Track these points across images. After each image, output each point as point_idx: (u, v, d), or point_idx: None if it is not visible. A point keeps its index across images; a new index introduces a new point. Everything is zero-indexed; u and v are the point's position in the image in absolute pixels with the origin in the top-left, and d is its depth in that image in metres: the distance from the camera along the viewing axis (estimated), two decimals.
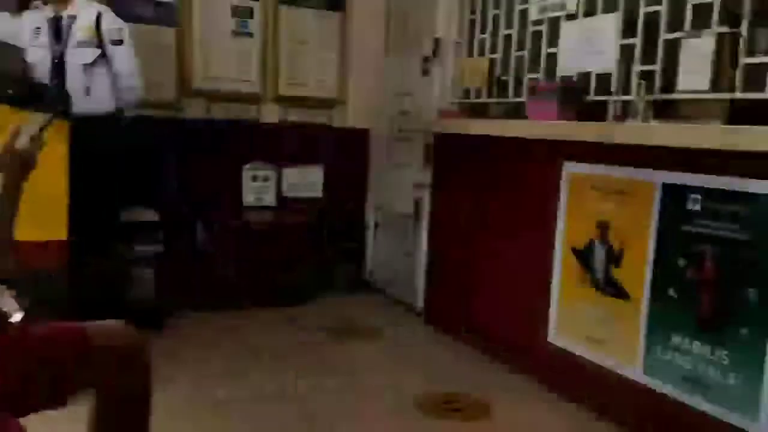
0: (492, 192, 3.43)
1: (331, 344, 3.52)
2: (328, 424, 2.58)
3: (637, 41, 2.74)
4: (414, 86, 4.21)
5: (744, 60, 2.33)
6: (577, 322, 2.88)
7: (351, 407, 2.73)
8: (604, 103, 2.89)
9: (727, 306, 2.24)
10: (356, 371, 3.13)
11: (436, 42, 3.94)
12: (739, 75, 2.34)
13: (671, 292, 2.45)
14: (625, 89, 2.81)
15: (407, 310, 4.15)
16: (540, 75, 3.23)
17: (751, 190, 2.17)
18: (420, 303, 4.08)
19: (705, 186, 2.32)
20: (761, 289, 2.13)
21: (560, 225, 2.96)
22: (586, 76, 2.97)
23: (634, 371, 2.59)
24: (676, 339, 2.42)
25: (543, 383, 3.04)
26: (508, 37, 3.47)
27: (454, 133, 3.60)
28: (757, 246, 2.15)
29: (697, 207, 2.35)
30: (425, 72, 4.07)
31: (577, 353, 2.86)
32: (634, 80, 2.72)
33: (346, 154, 4.64)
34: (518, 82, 3.39)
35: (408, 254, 4.29)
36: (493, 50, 3.58)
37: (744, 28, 2.33)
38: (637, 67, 2.73)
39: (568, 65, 3.08)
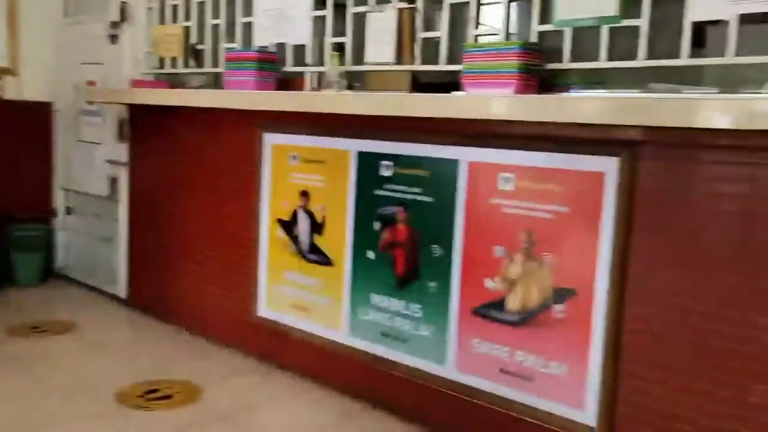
0: (194, 166, 3.28)
1: (14, 343, 3.06)
2: None
3: (328, 14, 2.80)
4: (102, 55, 3.81)
5: (421, 35, 2.52)
6: (285, 293, 2.89)
7: (39, 412, 2.39)
8: (302, 74, 2.92)
9: (418, 263, 2.42)
10: (46, 370, 2.77)
11: (123, 6, 3.61)
12: (417, 48, 2.52)
13: (370, 254, 2.57)
14: (321, 61, 2.86)
15: (109, 299, 3.81)
16: (237, 45, 3.14)
17: (430, 155, 2.36)
18: (123, 290, 3.77)
19: (394, 153, 2.47)
20: (443, 245, 2.34)
21: (265, 196, 2.94)
22: (281, 47, 2.97)
23: (338, 334, 2.68)
24: (375, 299, 2.56)
25: (255, 357, 3.01)
26: (201, 5, 3.31)
27: (151, 105, 3.35)
28: (439, 206, 2.35)
29: (389, 173, 2.49)
30: (113, 39, 3.71)
31: (286, 323, 2.88)
32: (328, 52, 2.78)
33: (23, 131, 4.06)
34: (215, 51, 3.27)
35: (107, 239, 3.93)
36: (188, 17, 3.39)
37: (420, 4, 2.51)
38: (330, 39, 2.79)
39: (264, 36, 3.04)
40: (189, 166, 3.30)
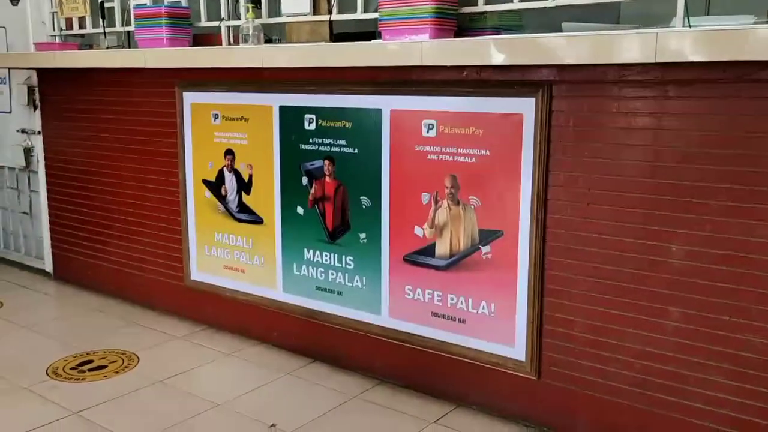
0: (112, 131, 3.16)
1: None
2: None
3: None
4: (4, 18, 3.60)
5: None
6: (217, 254, 2.85)
7: None
8: (218, 30, 2.82)
9: (347, 216, 2.42)
10: None
11: None
12: None
13: (299, 210, 2.56)
14: (236, 15, 2.78)
15: (36, 274, 3.68)
16: (147, 1, 3.01)
17: (353, 105, 2.34)
18: (49, 264, 3.64)
19: (316, 105, 2.44)
20: (372, 196, 2.34)
21: (188, 157, 2.86)
22: (194, 1, 2.86)
23: (273, 292, 2.67)
24: (308, 254, 2.55)
25: (191, 321, 2.98)
26: None
27: (61, 68, 3.19)
28: (365, 157, 2.34)
29: (312, 126, 2.46)
30: (14, 0, 3.50)
31: (220, 284, 2.85)
32: (243, 5, 2.69)
33: None
34: (125, 9, 3.12)
35: (26, 212, 3.77)
36: None
37: None
38: None
39: None
40: (107, 131, 3.18)
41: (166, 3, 2.83)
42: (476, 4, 2.16)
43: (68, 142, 3.39)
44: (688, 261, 1.76)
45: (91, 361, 2.60)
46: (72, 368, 2.53)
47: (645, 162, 1.80)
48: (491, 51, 1.89)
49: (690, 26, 1.73)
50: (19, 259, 3.85)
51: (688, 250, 1.76)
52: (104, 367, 2.55)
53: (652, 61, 1.61)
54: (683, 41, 1.56)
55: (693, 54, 1.55)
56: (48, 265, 3.65)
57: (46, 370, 2.51)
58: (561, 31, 1.96)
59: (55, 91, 3.40)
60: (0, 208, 3.95)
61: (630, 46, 1.64)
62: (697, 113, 1.72)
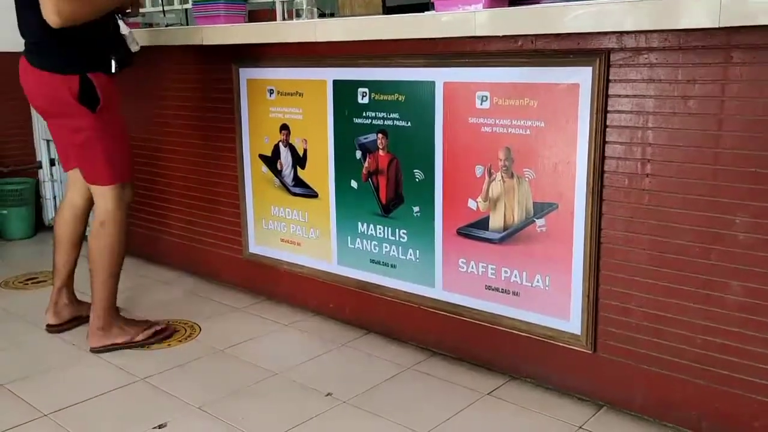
0: (173, 107, 3.24)
1: (10, 295, 3.11)
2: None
3: None
4: None
5: None
6: (274, 228, 2.91)
7: (44, 358, 2.45)
8: (272, 6, 2.85)
9: (401, 189, 2.43)
10: (40, 321, 2.82)
11: None
12: None
13: (353, 184, 2.58)
14: None
15: None
16: None
17: (406, 78, 2.33)
18: None
19: (369, 79, 2.44)
20: (425, 169, 2.34)
21: (245, 133, 2.92)
22: None
23: (328, 265, 2.72)
24: (362, 227, 2.58)
25: (249, 293, 3.06)
26: None
27: None
28: (418, 130, 2.34)
29: (366, 100, 2.47)
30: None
31: (277, 257, 2.91)
32: None
33: None
34: None
35: None
36: None
37: None
38: None
39: None
40: (167, 108, 3.26)
41: None
42: None
43: (129, 119, 3.47)
44: (753, 234, 1.70)
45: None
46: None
47: (707, 131, 1.74)
48: (547, 19, 1.85)
49: None
50: (87, 232, 4.00)
51: (753, 222, 1.70)
52: (168, 336, 2.65)
53: (717, 25, 1.55)
54: (750, 3, 1.49)
55: (763, 16, 1.48)
56: None
57: None
58: None
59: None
60: None
61: (692, 10, 1.58)
62: (764, 79, 1.65)
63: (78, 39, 2.28)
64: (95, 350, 2.51)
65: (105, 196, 2.46)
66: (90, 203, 2.61)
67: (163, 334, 2.61)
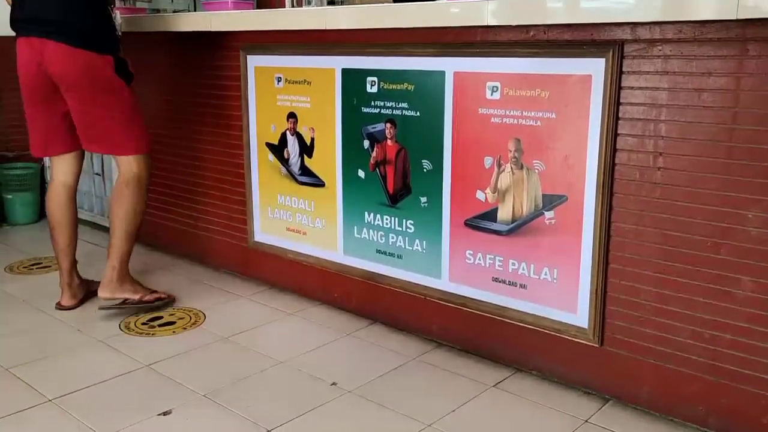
0: (179, 94, 3.23)
1: (15, 280, 3.10)
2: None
3: None
4: None
5: None
6: (280, 216, 2.90)
7: (50, 342, 2.45)
8: None
9: (409, 179, 2.42)
10: (45, 306, 2.81)
11: None
12: None
13: (360, 174, 2.56)
14: None
15: (106, 233, 3.81)
16: None
17: (415, 68, 2.32)
18: None
19: (378, 68, 2.42)
20: (433, 159, 2.32)
21: (252, 121, 2.90)
22: None
23: (334, 254, 2.71)
24: (369, 217, 2.57)
25: (254, 282, 3.06)
26: None
27: (130, 32, 3.25)
28: (427, 120, 2.32)
29: (374, 89, 2.45)
30: None
31: (282, 246, 2.91)
32: None
33: (2, 67, 3.97)
34: None
35: (98, 173, 3.91)
36: None
37: None
38: None
39: None
40: (173, 94, 3.25)
41: None
42: None
43: None
44: (766, 229, 1.69)
45: (161, 317, 2.70)
46: (143, 323, 2.64)
47: (721, 125, 1.72)
48: (559, 10, 1.83)
49: None
50: (91, 218, 4.01)
51: (766, 217, 1.69)
52: (173, 323, 2.65)
53: (733, 17, 1.53)
54: None
55: None
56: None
57: (119, 325, 2.62)
58: None
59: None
60: None
61: (710, 2, 1.56)
62: None
63: (108, 23, 2.57)
64: (104, 306, 2.69)
65: (131, 163, 2.67)
66: (77, 180, 2.80)
67: (164, 301, 2.79)
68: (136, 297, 2.71)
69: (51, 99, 2.59)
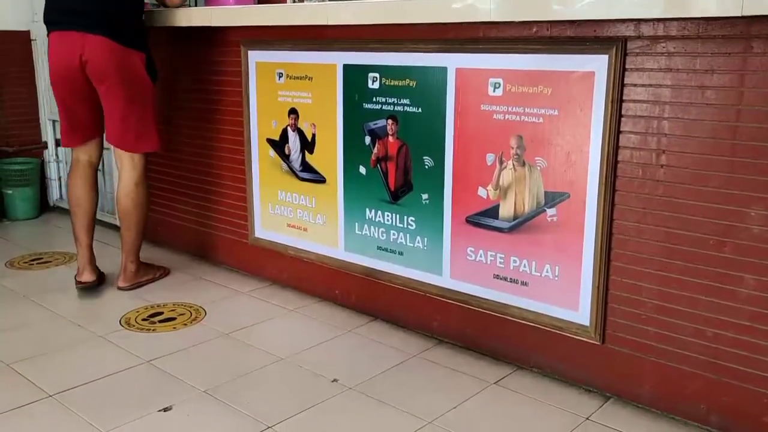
0: (180, 89, 3.22)
1: (15, 276, 3.10)
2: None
3: None
4: None
5: None
6: (280, 212, 2.89)
7: (51, 338, 2.44)
8: None
9: (410, 176, 2.41)
10: (53, 300, 2.81)
11: None
12: None
13: (362, 170, 2.56)
14: None
15: (109, 229, 3.81)
16: None
17: (417, 64, 2.31)
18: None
19: (380, 63, 2.41)
20: (435, 156, 2.32)
21: (253, 116, 2.89)
22: None
23: (335, 251, 2.70)
24: (370, 214, 2.56)
25: (255, 277, 3.05)
26: None
27: None
28: (428, 116, 2.31)
29: (376, 85, 2.44)
30: None
31: (283, 242, 2.90)
32: None
33: (2, 63, 3.96)
34: None
35: (99, 169, 3.88)
36: None
37: None
38: None
39: None
40: (174, 90, 3.24)
41: None
42: None
43: None
44: None
45: (161, 313, 2.69)
46: (143, 319, 2.64)
47: (725, 122, 1.72)
48: (561, 6, 1.82)
49: None
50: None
51: None
52: (173, 319, 2.65)
53: (738, 14, 1.52)
54: None
55: None
56: (119, 221, 3.77)
57: (120, 320, 2.62)
58: None
59: None
60: None
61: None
62: None
63: (143, 23, 2.79)
64: (125, 288, 2.91)
65: (136, 160, 2.82)
66: (100, 160, 2.97)
67: (164, 272, 3.12)
68: (149, 277, 3.01)
69: (86, 90, 2.71)
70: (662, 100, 1.81)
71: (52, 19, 2.68)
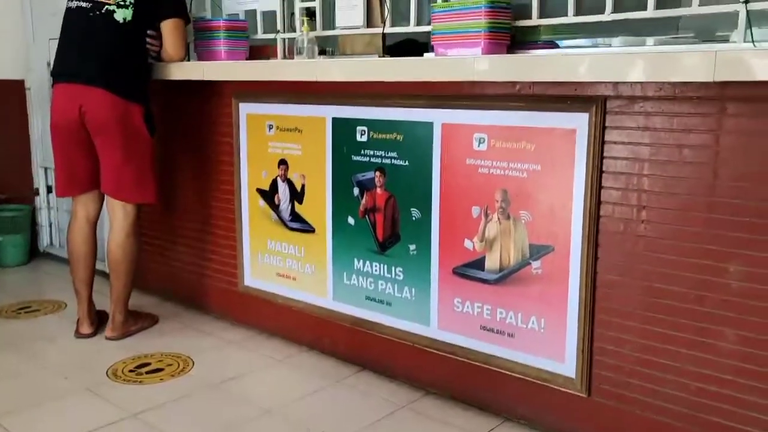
0: (170, 141, 3.26)
1: (4, 324, 3.09)
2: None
3: None
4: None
5: None
6: (269, 262, 2.91)
7: (36, 389, 2.43)
8: (273, 42, 2.88)
9: (398, 227, 2.44)
10: (40, 349, 2.80)
11: None
12: (387, 11, 2.49)
13: (350, 221, 2.59)
14: (292, 27, 2.83)
15: (97, 275, 3.81)
16: (206, 14, 3.10)
17: (404, 118, 2.36)
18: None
19: (368, 117, 2.47)
20: (422, 208, 2.35)
21: (243, 167, 2.93)
22: (251, 14, 2.93)
23: (324, 300, 2.71)
24: (358, 264, 2.58)
25: (243, 326, 3.05)
26: None
27: None
28: (415, 169, 2.36)
29: (364, 138, 2.49)
30: None
31: (272, 291, 2.91)
32: (298, 18, 2.75)
33: None
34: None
35: None
36: None
37: None
38: (300, 4, 2.75)
39: (234, 4, 3.00)
40: (165, 140, 3.28)
41: (224, 17, 2.91)
42: (530, 18, 2.15)
43: None
44: (747, 282, 1.72)
45: (148, 364, 2.69)
46: (130, 371, 2.63)
47: (703, 180, 1.76)
48: (545, 68, 1.88)
49: (753, 42, 1.69)
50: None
51: (747, 271, 1.72)
52: (161, 370, 2.64)
53: (710, 80, 1.58)
54: (744, 60, 1.53)
55: (756, 73, 1.51)
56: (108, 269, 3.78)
57: (107, 372, 2.61)
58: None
59: None
60: (66, 211, 4.12)
61: (688, 64, 1.61)
62: (759, 130, 1.68)
63: (145, 74, 2.87)
64: (114, 338, 2.91)
65: (128, 209, 2.86)
66: (99, 216, 2.98)
67: (153, 320, 3.14)
68: (137, 326, 3.01)
69: (85, 141, 2.77)
70: (641, 158, 1.86)
71: (58, 72, 2.78)
